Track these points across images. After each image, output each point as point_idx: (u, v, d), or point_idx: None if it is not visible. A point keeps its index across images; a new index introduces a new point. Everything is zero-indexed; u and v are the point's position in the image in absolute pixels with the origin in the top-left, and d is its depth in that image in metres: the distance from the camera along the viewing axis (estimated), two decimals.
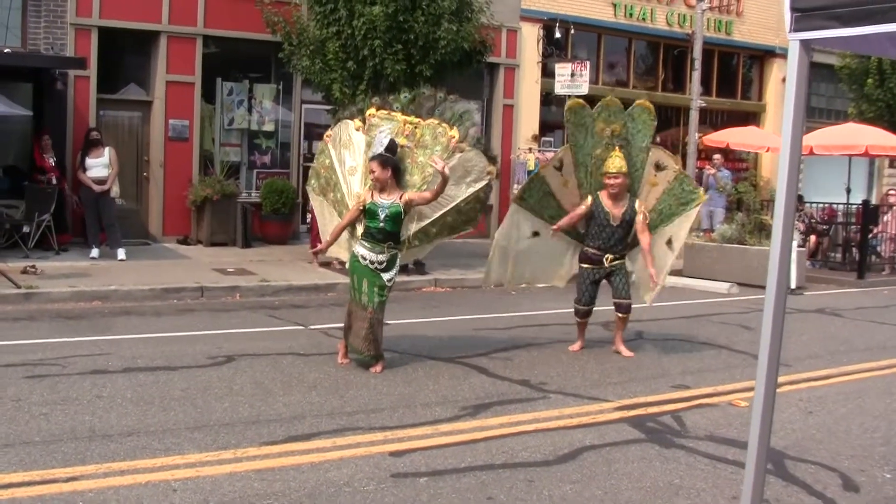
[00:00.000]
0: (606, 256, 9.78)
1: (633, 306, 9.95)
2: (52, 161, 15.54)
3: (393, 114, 9.11)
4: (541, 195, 9.92)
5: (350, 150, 9.10)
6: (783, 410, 7.78)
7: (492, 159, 9.51)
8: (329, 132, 9.54)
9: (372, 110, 9.19)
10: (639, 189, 9.77)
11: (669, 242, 9.80)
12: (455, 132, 8.89)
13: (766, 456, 3.61)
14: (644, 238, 9.58)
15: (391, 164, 8.51)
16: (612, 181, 9.50)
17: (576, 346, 10.05)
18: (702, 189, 10.92)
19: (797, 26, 3.45)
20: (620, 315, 9.91)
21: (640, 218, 9.58)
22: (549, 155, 21.24)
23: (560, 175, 9.88)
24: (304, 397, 7.58)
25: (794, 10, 3.45)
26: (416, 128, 8.92)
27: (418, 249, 9.55)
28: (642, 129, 9.75)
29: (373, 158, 8.50)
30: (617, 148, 9.61)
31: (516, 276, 10.31)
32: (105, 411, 6.91)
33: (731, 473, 6.18)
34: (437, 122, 8.99)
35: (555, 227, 9.71)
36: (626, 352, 9.91)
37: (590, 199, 9.72)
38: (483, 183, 9.13)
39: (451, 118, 9.11)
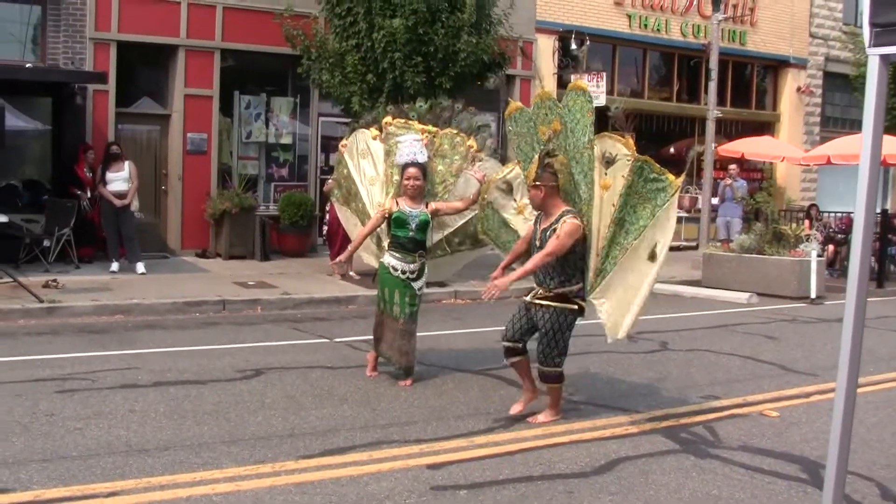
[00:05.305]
0: (534, 290, 7.46)
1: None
2: (90, 175, 15.60)
3: (410, 122, 9.11)
4: (498, 226, 8.46)
5: (369, 160, 9.10)
6: (815, 420, 7.79)
7: None
8: (344, 141, 9.52)
9: (388, 118, 9.20)
10: (592, 198, 7.09)
11: (653, 256, 7.06)
12: (473, 142, 8.95)
13: (845, 472, 3.67)
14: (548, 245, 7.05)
15: (425, 172, 8.56)
16: (529, 192, 7.38)
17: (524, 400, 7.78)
18: (668, 173, 7.08)
19: (877, 41, 3.48)
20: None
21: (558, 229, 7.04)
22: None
23: (511, 200, 8.23)
24: (336, 410, 7.58)
25: (873, 25, 3.48)
26: (434, 137, 8.95)
27: (444, 265, 9.56)
28: (581, 118, 7.03)
29: (413, 165, 8.46)
30: (538, 153, 7.30)
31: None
32: (139, 425, 6.92)
33: (767, 484, 6.17)
34: (454, 131, 9.03)
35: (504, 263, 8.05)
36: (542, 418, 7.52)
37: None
38: None
39: (467, 129, 9.14)
